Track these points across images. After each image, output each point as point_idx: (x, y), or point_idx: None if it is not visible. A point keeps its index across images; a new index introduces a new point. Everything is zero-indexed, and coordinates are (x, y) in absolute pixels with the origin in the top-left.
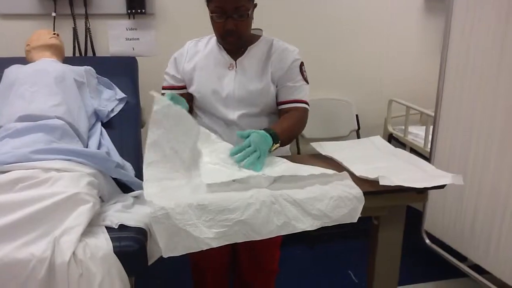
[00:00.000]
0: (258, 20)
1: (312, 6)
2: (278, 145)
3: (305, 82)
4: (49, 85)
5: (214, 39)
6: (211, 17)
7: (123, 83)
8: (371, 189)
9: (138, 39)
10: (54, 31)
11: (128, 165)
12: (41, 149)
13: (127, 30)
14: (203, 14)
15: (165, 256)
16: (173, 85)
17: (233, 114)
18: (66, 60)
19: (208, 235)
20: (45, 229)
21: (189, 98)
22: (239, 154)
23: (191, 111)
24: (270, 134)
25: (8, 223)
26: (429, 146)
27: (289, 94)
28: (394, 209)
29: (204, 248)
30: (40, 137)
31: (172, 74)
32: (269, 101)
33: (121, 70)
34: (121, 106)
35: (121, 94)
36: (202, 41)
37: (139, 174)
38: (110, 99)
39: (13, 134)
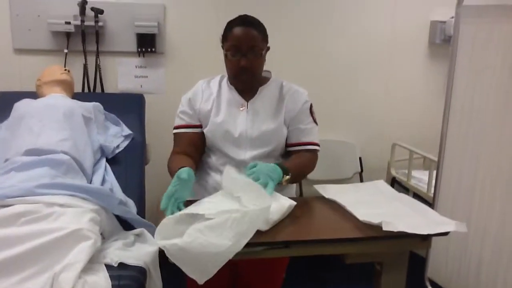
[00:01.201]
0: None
1: (317, 51)
2: (289, 176)
3: (315, 124)
4: (57, 120)
5: (225, 79)
6: (226, 56)
7: (130, 119)
8: (374, 234)
9: (146, 76)
10: (65, 67)
11: (131, 202)
12: (45, 184)
13: (136, 67)
14: (212, 55)
15: (201, 283)
16: (189, 123)
17: (244, 155)
18: (75, 96)
19: (226, 244)
20: (45, 265)
21: (203, 139)
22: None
23: (202, 152)
24: (279, 166)
25: (8, 257)
26: (432, 191)
27: (300, 137)
28: (397, 255)
29: (230, 257)
30: (45, 172)
31: (190, 113)
32: (281, 142)
33: (129, 107)
34: (126, 142)
35: (127, 131)
36: (214, 81)
37: (141, 211)
38: (116, 135)
39: (19, 168)
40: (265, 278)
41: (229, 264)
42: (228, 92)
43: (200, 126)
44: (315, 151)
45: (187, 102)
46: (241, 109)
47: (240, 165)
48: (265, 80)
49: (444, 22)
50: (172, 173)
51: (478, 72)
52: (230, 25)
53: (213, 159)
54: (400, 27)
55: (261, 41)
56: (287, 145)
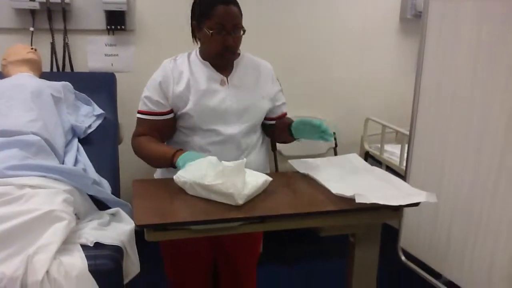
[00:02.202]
0: None
1: (289, 25)
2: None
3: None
4: (25, 101)
5: (194, 56)
6: (210, 34)
7: (101, 99)
8: (347, 206)
9: (117, 55)
10: (31, 45)
11: (105, 182)
12: (15, 165)
13: (106, 46)
14: (183, 31)
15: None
16: (154, 111)
17: (232, 129)
18: (44, 76)
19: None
20: (19, 247)
21: (172, 123)
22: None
23: (167, 136)
24: None
25: None
26: (404, 164)
27: (279, 110)
28: (370, 226)
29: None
30: (14, 153)
31: (156, 100)
32: (263, 114)
33: (100, 86)
34: (98, 122)
35: (99, 110)
36: (180, 59)
37: (115, 191)
38: (88, 115)
39: None
40: (245, 250)
41: (211, 238)
42: (203, 69)
43: (166, 113)
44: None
45: (157, 86)
46: (221, 84)
47: (229, 140)
48: (237, 55)
49: None
50: (150, 155)
51: (448, 47)
52: (211, 2)
53: (197, 139)
54: (372, 2)
55: (241, 18)
56: (270, 118)
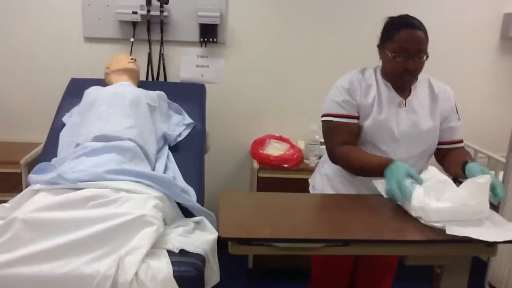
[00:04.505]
0: None
1: None
2: None
3: (459, 121)
4: (124, 108)
5: (378, 73)
6: (392, 56)
7: (191, 108)
8: (436, 237)
9: (207, 66)
10: (131, 55)
11: (191, 190)
12: (113, 170)
13: (198, 57)
14: (272, 46)
15: None
16: (351, 114)
17: (402, 153)
18: (140, 84)
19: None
20: (112, 248)
21: (359, 130)
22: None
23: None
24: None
25: (78, 238)
26: None
27: (454, 135)
28: (459, 259)
29: None
30: (112, 158)
31: (353, 103)
32: (435, 141)
33: (191, 96)
34: (188, 131)
35: (189, 120)
36: (368, 74)
37: (200, 199)
38: (179, 124)
39: (89, 153)
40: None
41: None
42: (385, 89)
43: (358, 117)
44: (464, 147)
45: (347, 92)
46: (399, 107)
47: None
48: (416, 79)
49: None
50: (362, 163)
51: None
52: (397, 25)
53: None
54: (470, 19)
55: (427, 43)
56: (440, 143)
